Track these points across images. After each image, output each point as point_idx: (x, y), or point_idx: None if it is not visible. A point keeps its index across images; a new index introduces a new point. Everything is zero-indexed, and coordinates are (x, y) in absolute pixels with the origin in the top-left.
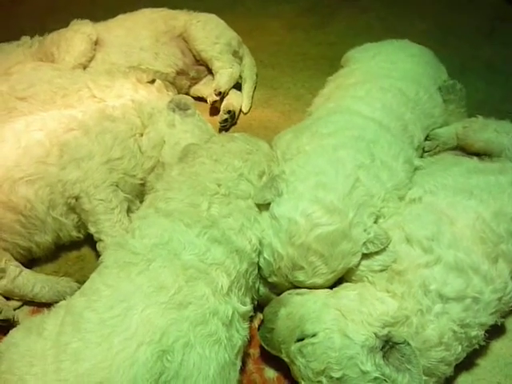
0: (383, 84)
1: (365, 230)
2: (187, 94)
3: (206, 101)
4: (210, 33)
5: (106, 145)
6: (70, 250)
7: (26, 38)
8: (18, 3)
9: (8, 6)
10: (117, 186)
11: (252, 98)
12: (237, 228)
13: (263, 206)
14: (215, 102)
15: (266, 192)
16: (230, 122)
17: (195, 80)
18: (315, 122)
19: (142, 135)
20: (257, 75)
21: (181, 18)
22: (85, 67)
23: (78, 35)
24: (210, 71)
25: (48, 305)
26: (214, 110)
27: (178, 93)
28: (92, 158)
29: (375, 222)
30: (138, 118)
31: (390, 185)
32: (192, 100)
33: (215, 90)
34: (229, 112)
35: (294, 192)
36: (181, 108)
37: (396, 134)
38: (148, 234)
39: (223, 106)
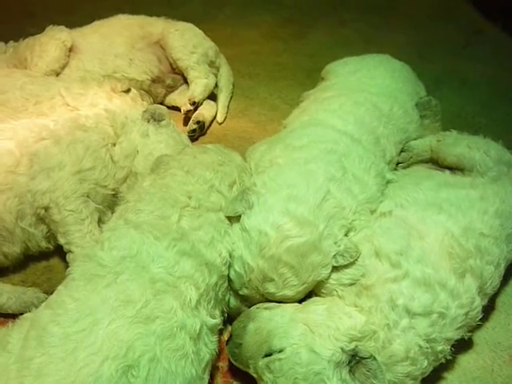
0: (358, 98)
1: (335, 243)
2: (162, 102)
3: (180, 110)
4: (188, 42)
5: (78, 155)
6: (38, 259)
7: (0, 44)
8: None
9: None
10: (88, 196)
11: (227, 107)
12: (207, 241)
13: (234, 219)
14: (189, 111)
15: (236, 204)
16: (198, 133)
17: (171, 88)
18: (288, 135)
19: (114, 145)
20: (233, 85)
21: (158, 25)
22: (58, 74)
23: (53, 41)
24: (185, 80)
25: (14, 316)
26: (188, 119)
27: (154, 101)
28: (62, 168)
29: (346, 235)
30: (110, 128)
31: (361, 198)
32: (166, 110)
33: (189, 100)
34: (198, 122)
35: (265, 204)
36: (155, 118)
37: (368, 148)
38: (117, 246)
39: (193, 116)
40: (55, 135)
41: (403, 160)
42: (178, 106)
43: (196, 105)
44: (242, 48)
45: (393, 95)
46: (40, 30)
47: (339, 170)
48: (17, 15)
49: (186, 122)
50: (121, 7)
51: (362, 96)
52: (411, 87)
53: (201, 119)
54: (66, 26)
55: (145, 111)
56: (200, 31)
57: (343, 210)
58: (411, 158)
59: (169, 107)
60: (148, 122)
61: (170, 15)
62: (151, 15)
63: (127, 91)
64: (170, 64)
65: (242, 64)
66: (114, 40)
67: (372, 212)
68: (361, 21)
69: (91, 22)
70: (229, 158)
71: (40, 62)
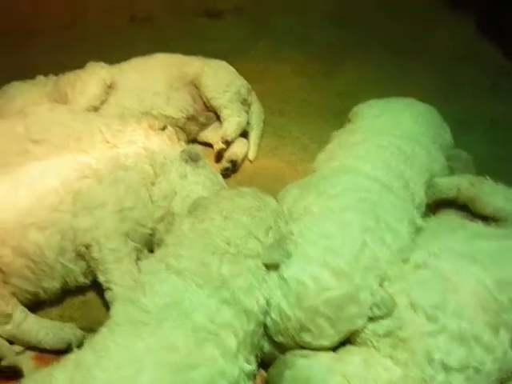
0: (382, 142)
1: (371, 294)
2: (195, 139)
3: (212, 146)
4: (221, 81)
5: (119, 194)
6: (75, 294)
7: (40, 78)
8: (33, 36)
9: (22, 38)
10: (127, 235)
11: (258, 145)
12: (246, 288)
13: (270, 266)
14: (222, 149)
15: (274, 253)
16: (230, 171)
17: (204, 126)
18: (321, 182)
19: (153, 184)
20: (264, 122)
21: (194, 65)
22: (97, 109)
23: (93, 78)
24: (218, 117)
25: (51, 351)
26: (220, 156)
27: (187, 138)
28: (104, 207)
29: (380, 285)
30: (150, 167)
31: (394, 247)
32: (201, 150)
33: (222, 138)
34: (231, 161)
35: (303, 255)
36: (193, 159)
37: (398, 194)
38: (159, 292)
39: (227, 155)
40: (97, 174)
41: (428, 197)
42: (211, 142)
43: (229, 143)
44: (273, 84)
45: (414, 138)
46: (76, 62)
47: (373, 220)
48: (52, 48)
49: (218, 158)
50: (155, 40)
51: (386, 140)
52: (435, 131)
53: (234, 158)
54: (102, 61)
55: (182, 152)
56: (233, 69)
57: (378, 260)
58: (435, 194)
59: (201, 143)
60: (186, 162)
61: (203, 50)
62: (184, 50)
63: (164, 128)
64: (204, 102)
65: (273, 100)
66: (152, 78)
67: (404, 261)
68: (388, 60)
69: (124, 54)
70: (265, 203)
71: (81, 99)
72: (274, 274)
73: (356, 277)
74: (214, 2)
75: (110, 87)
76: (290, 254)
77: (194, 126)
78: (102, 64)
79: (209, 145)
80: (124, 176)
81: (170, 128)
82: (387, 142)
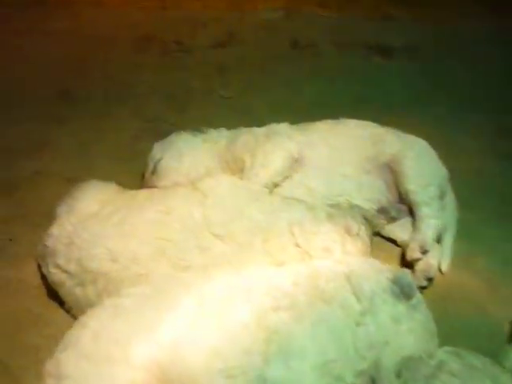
0: None
1: None
2: (379, 233)
3: (395, 242)
4: (424, 171)
5: (322, 341)
6: None
7: (211, 132)
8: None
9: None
10: None
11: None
12: None
13: None
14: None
15: None
16: (424, 288)
17: (393, 220)
18: None
19: (357, 325)
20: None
21: (392, 143)
22: (277, 186)
23: (279, 151)
24: (411, 212)
25: None
26: (407, 262)
27: (371, 232)
28: (304, 357)
29: None
30: (354, 299)
31: None
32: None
33: (421, 248)
34: (429, 279)
35: None
36: (405, 293)
37: None
38: None
39: (422, 268)
40: (294, 305)
41: None
42: (397, 240)
43: (426, 252)
44: (463, 164)
45: None
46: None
47: None
48: (206, 68)
49: (404, 262)
50: (317, 71)
51: None
52: None
53: (431, 275)
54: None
55: (393, 281)
56: (434, 153)
57: None
58: None
59: (385, 238)
60: (398, 298)
61: (371, 94)
62: (350, 90)
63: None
64: (399, 192)
65: (465, 188)
66: (344, 156)
67: None
68: None
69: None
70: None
71: (262, 173)
72: None
73: None
74: (386, 37)
75: (296, 161)
76: None
77: (381, 220)
78: (286, 125)
79: (391, 240)
80: (326, 312)
81: (364, 231)
82: None
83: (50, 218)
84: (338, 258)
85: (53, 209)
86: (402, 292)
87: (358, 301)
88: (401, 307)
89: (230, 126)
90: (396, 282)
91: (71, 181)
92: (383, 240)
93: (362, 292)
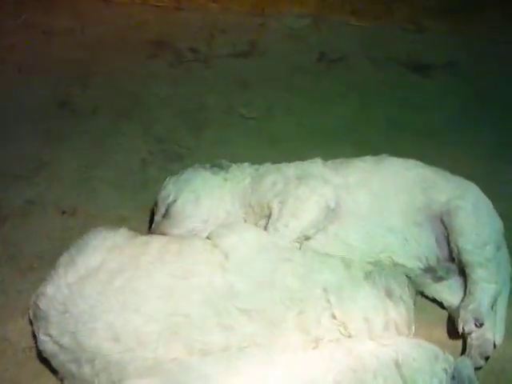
0: None
1: None
2: (422, 292)
3: (440, 304)
4: (481, 227)
5: None
6: None
7: (232, 168)
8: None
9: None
10: None
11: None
12: None
13: None
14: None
15: None
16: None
17: (439, 280)
18: None
19: None
20: None
21: (441, 189)
22: (308, 239)
23: (314, 199)
24: (460, 272)
25: None
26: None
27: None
28: None
29: None
30: None
31: None
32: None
33: (476, 319)
34: (486, 358)
35: None
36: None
37: None
38: None
39: (478, 344)
40: None
41: None
42: (443, 302)
43: (482, 326)
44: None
45: None
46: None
47: None
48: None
49: (450, 328)
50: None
51: None
52: None
53: (489, 352)
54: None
55: (453, 376)
56: (489, 203)
57: None
58: None
59: (428, 298)
60: None
61: (405, 117)
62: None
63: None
64: (450, 249)
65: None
66: (388, 204)
67: None
68: None
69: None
70: None
71: (293, 224)
72: None
73: None
74: (424, 52)
75: (332, 211)
76: None
77: (427, 280)
78: (322, 170)
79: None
80: None
81: (408, 293)
82: None
83: (40, 260)
84: (381, 334)
85: (45, 249)
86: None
87: None
88: None
89: (252, 151)
90: (456, 376)
91: (68, 213)
92: (426, 300)
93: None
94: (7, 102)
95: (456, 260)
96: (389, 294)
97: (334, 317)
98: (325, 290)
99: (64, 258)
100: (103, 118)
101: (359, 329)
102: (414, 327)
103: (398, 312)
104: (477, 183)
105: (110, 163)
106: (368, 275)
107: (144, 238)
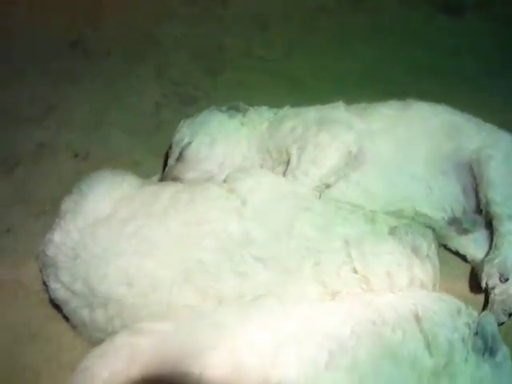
0: None
1: None
2: (445, 245)
3: (462, 256)
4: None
5: None
6: None
7: (249, 112)
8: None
9: None
10: None
11: None
12: None
13: None
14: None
15: None
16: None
17: (464, 232)
18: None
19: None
20: None
21: (471, 136)
22: (328, 187)
23: (336, 144)
24: (488, 225)
25: None
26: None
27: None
28: None
29: None
30: (427, 354)
31: None
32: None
33: (501, 274)
34: (510, 314)
35: None
36: (489, 347)
37: None
38: None
39: (501, 299)
40: (355, 364)
41: None
42: (467, 256)
43: (507, 281)
44: None
45: None
46: None
47: None
48: None
49: (472, 283)
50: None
51: None
52: None
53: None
54: None
55: (477, 335)
56: None
57: None
58: None
59: (451, 251)
60: (480, 352)
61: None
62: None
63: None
64: (478, 200)
65: None
66: (413, 152)
67: None
68: None
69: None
70: None
71: (313, 171)
72: None
73: None
74: None
75: (354, 157)
76: None
77: (451, 232)
78: (345, 115)
79: (458, 254)
80: (394, 376)
81: (434, 250)
82: None
83: (53, 204)
84: (403, 290)
85: (57, 193)
86: (486, 345)
87: (431, 356)
88: (486, 368)
89: (270, 94)
90: (479, 332)
91: (80, 157)
92: (448, 253)
93: (436, 345)
94: (17, 41)
95: (483, 212)
96: (415, 251)
97: (355, 271)
98: (346, 242)
99: (69, 204)
100: (116, 59)
101: (382, 284)
102: (438, 285)
103: (424, 269)
104: (510, 132)
105: (123, 106)
106: (393, 230)
107: (154, 188)
